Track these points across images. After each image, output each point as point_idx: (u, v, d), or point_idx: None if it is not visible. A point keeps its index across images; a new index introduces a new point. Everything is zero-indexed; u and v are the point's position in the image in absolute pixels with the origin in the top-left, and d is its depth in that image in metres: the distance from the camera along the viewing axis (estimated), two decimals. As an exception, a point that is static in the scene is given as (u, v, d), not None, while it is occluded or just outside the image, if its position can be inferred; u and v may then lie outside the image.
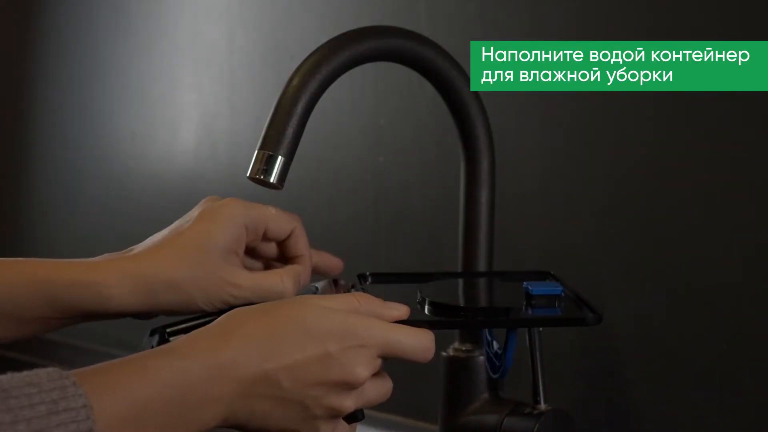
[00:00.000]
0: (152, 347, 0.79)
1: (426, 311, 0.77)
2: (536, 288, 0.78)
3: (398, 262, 1.21)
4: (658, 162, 0.97)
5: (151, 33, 1.57)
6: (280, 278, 0.83)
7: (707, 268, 0.94)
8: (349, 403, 0.69)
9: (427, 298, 0.77)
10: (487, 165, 0.93)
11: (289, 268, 0.85)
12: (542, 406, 0.86)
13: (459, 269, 0.94)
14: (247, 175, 0.83)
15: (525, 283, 0.79)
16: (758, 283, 0.91)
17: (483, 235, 0.93)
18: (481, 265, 0.93)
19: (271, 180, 0.82)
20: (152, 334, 0.82)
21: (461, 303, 0.78)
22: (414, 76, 0.92)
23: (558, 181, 1.05)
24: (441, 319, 0.76)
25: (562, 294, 0.79)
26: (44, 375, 0.61)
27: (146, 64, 1.58)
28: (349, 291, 0.83)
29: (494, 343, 0.82)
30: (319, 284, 0.84)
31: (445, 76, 0.90)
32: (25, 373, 0.61)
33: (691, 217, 0.95)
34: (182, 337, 0.68)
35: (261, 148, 0.82)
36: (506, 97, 1.04)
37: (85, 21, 1.70)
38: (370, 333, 0.70)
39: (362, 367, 0.69)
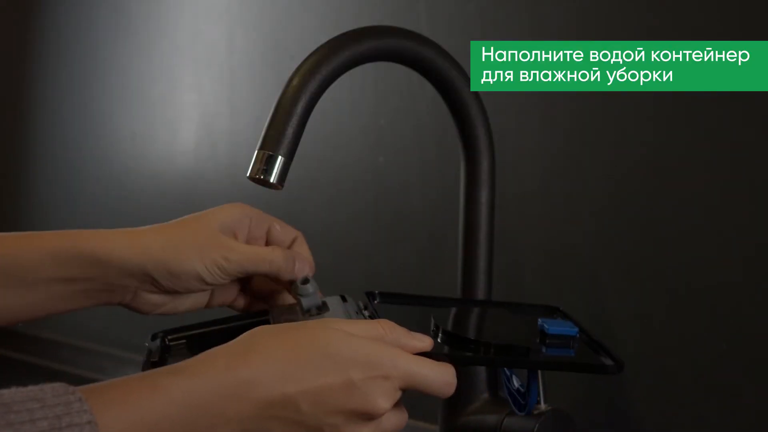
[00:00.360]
0: (151, 352, 0.79)
1: (439, 339, 0.75)
2: (552, 327, 0.77)
3: (398, 262, 1.21)
4: (658, 162, 0.97)
5: (151, 33, 1.57)
6: (272, 249, 0.84)
7: (707, 268, 0.94)
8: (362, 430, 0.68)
9: (441, 327, 0.76)
10: (487, 165, 0.93)
11: (286, 249, 0.86)
12: (542, 406, 0.86)
13: (459, 269, 0.94)
14: (247, 175, 0.83)
15: (540, 320, 0.78)
16: (758, 283, 0.91)
17: (483, 235, 0.93)
18: (481, 265, 0.93)
19: (271, 180, 0.82)
20: (153, 338, 0.82)
21: (477, 336, 0.77)
22: (414, 76, 0.92)
23: (558, 181, 1.05)
24: (463, 354, 0.74)
25: (577, 335, 0.78)
26: (49, 390, 0.60)
27: (146, 64, 1.58)
28: (361, 310, 0.82)
29: (514, 378, 0.81)
30: (329, 299, 0.83)
31: (445, 76, 0.90)
32: (30, 387, 0.60)
33: (691, 217, 0.95)
34: (200, 355, 0.66)
35: (261, 148, 0.82)
36: (506, 97, 1.04)
37: (85, 21, 1.70)
38: (394, 364, 0.68)
39: (384, 398, 0.67)
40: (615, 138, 1.01)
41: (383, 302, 0.84)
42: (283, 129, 0.82)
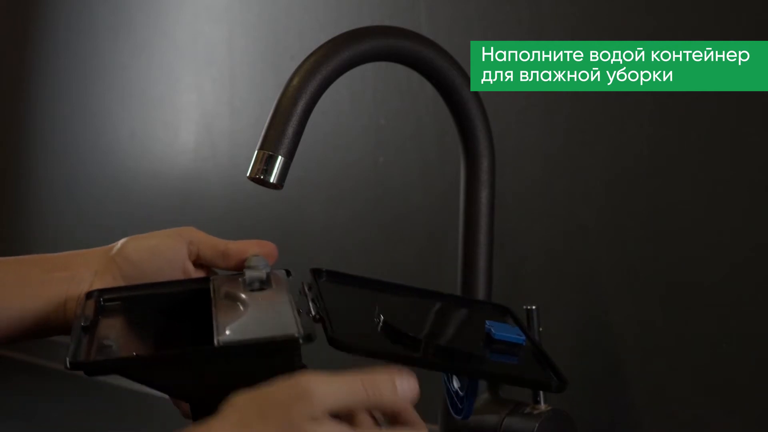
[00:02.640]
0: (84, 315, 0.76)
1: (379, 329, 0.74)
2: (499, 332, 0.74)
3: (398, 262, 1.21)
4: (658, 162, 0.97)
5: (151, 33, 1.57)
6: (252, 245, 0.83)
7: (707, 267, 0.94)
8: None
9: (384, 319, 0.74)
10: (487, 165, 0.93)
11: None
12: (542, 406, 0.86)
13: (459, 269, 0.94)
14: (247, 175, 0.83)
15: (488, 323, 0.76)
16: (758, 283, 0.91)
17: (483, 235, 0.93)
18: (481, 265, 0.93)
19: (271, 180, 0.82)
20: (88, 297, 0.79)
21: (420, 333, 0.74)
22: (414, 76, 0.92)
23: (558, 181, 1.05)
24: (403, 354, 0.72)
25: (524, 344, 0.75)
26: None
27: (146, 64, 1.58)
28: (305, 289, 0.79)
29: (455, 379, 0.78)
30: (275, 272, 0.81)
31: (445, 76, 0.90)
32: None
33: (691, 217, 0.95)
34: None
35: (261, 148, 0.82)
36: (506, 97, 1.04)
37: (85, 21, 1.70)
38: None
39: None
40: (615, 138, 1.01)
41: (329, 281, 0.82)
42: (283, 129, 0.82)
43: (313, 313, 0.74)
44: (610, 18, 1.00)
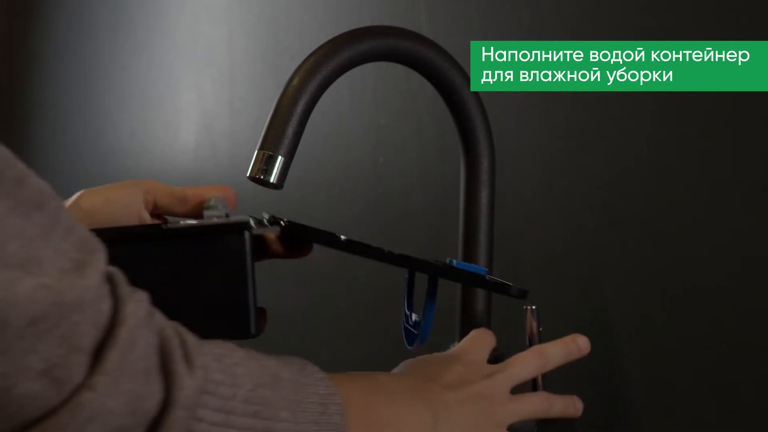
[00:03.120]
0: None
1: (342, 241, 0.74)
2: (460, 264, 0.76)
3: (398, 262, 1.21)
4: (658, 162, 0.97)
5: (151, 33, 1.57)
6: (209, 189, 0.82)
7: (707, 267, 0.94)
8: None
9: (342, 236, 0.75)
10: (487, 165, 0.93)
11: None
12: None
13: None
14: (247, 175, 0.83)
15: (449, 259, 0.78)
16: (758, 283, 0.91)
17: (483, 235, 0.93)
18: (481, 265, 0.93)
19: (271, 180, 0.82)
20: None
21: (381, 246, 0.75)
22: (414, 76, 0.92)
23: (558, 181, 1.05)
24: (365, 245, 0.73)
25: (486, 277, 0.77)
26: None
27: (146, 64, 1.58)
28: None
29: (413, 315, 0.80)
30: (240, 216, 0.80)
31: (445, 76, 0.90)
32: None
33: (691, 217, 0.95)
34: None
35: (261, 148, 0.82)
36: (506, 97, 1.04)
37: (85, 21, 1.70)
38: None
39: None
40: (615, 138, 1.01)
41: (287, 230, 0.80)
42: (283, 129, 0.82)
43: (269, 220, 0.74)
44: (610, 18, 1.00)
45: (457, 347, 0.83)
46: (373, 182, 1.23)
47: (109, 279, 0.61)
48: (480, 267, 0.77)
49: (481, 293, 0.93)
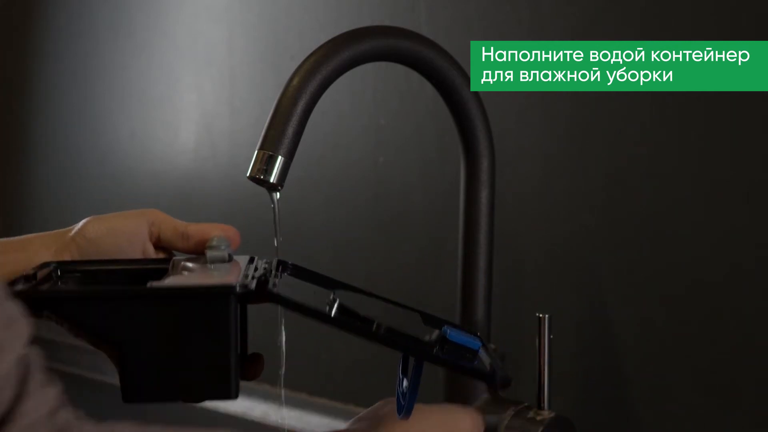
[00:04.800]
0: (29, 275, 0.73)
1: (334, 309, 0.71)
2: (453, 335, 0.71)
3: (398, 262, 1.21)
4: (657, 162, 0.97)
5: (151, 33, 1.57)
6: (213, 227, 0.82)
7: (707, 267, 0.94)
8: None
9: (338, 301, 0.72)
10: (487, 165, 0.93)
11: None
12: (546, 411, 0.86)
13: (459, 269, 0.94)
14: (247, 175, 0.83)
15: (444, 326, 0.73)
16: (758, 282, 0.91)
17: (483, 235, 0.93)
18: (481, 265, 0.93)
19: (271, 180, 0.82)
20: (43, 266, 0.77)
21: (374, 318, 0.72)
22: (414, 76, 0.92)
23: (558, 180, 1.05)
24: (354, 323, 0.70)
25: (479, 351, 0.72)
26: None
27: (146, 64, 1.58)
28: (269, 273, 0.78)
29: (404, 381, 0.75)
30: (237, 258, 0.78)
31: (445, 76, 0.90)
32: None
33: (691, 217, 0.95)
34: None
35: (261, 148, 0.82)
36: (506, 97, 1.04)
37: (85, 21, 1.70)
38: None
39: None
40: (615, 138, 1.01)
41: (293, 275, 0.80)
42: (283, 129, 0.82)
43: (258, 276, 0.72)
44: (610, 18, 1.00)
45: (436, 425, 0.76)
46: (373, 182, 1.23)
47: (24, 365, 0.56)
48: (475, 340, 0.73)
49: (481, 286, 0.93)
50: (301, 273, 0.80)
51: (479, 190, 0.93)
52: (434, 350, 0.70)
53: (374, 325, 0.69)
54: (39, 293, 0.70)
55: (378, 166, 1.23)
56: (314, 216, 1.31)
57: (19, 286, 0.69)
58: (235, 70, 1.43)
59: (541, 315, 0.88)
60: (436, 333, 0.73)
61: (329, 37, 0.85)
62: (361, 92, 1.24)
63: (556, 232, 1.05)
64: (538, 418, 0.85)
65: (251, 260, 0.78)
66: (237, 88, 1.43)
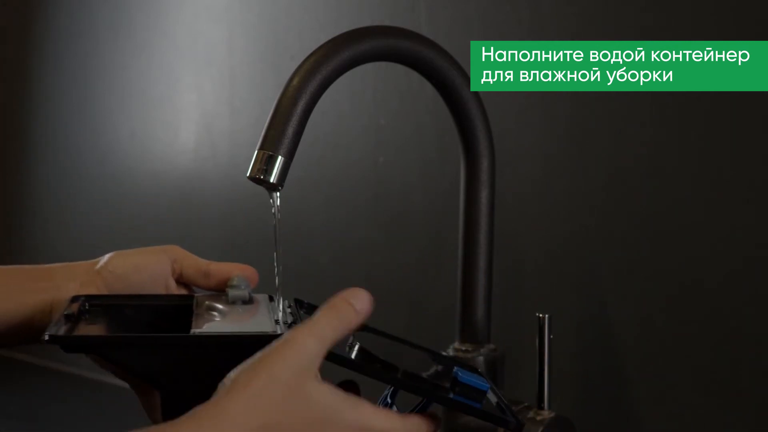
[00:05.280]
0: (69, 313, 0.78)
1: (354, 351, 0.74)
2: (464, 376, 0.74)
3: (398, 262, 1.21)
4: (657, 162, 0.97)
5: (151, 33, 1.57)
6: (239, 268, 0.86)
7: (707, 267, 0.94)
8: None
9: (357, 344, 0.74)
10: (487, 165, 0.93)
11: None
12: (546, 411, 0.86)
13: (459, 269, 0.94)
14: (247, 175, 0.83)
15: (455, 368, 0.76)
16: (758, 283, 0.91)
17: (483, 235, 0.93)
18: (481, 265, 0.93)
19: (271, 180, 0.82)
20: (74, 300, 0.81)
21: (389, 360, 0.75)
22: (414, 76, 0.92)
23: (558, 180, 1.05)
24: (371, 367, 0.73)
25: (488, 391, 0.75)
26: None
27: (146, 64, 1.58)
28: (286, 314, 0.81)
29: (393, 407, 0.77)
30: (256, 296, 0.83)
31: (445, 76, 0.90)
32: None
33: (691, 217, 0.95)
34: (185, 417, 0.66)
35: (261, 148, 0.82)
36: (506, 97, 1.04)
37: (85, 21, 1.70)
38: (357, 423, 0.68)
39: None
40: (615, 138, 1.01)
41: (309, 314, 0.81)
42: (283, 129, 0.82)
43: (290, 321, 0.76)
44: (610, 18, 1.00)
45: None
46: (373, 182, 1.23)
47: None
48: (483, 382, 0.76)
49: (481, 287, 0.93)
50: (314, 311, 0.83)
51: (479, 190, 0.93)
52: (450, 394, 0.73)
53: (399, 373, 0.73)
54: (81, 339, 0.74)
55: (378, 166, 1.23)
56: (314, 216, 1.31)
57: (62, 327, 0.74)
58: (235, 70, 1.43)
59: (541, 315, 0.88)
60: (441, 369, 0.78)
61: (329, 37, 0.85)
62: (361, 92, 1.24)
63: (556, 232, 1.05)
64: (538, 418, 0.85)
65: (270, 299, 0.83)
66: (237, 88, 1.43)
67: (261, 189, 0.85)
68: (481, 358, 0.92)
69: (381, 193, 1.23)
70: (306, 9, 1.33)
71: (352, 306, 0.70)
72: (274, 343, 0.67)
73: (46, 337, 0.71)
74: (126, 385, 0.84)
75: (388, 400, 0.77)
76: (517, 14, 1.08)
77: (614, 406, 1.01)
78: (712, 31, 0.92)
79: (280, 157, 0.81)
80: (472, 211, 0.93)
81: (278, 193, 0.82)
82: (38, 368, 1.66)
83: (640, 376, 0.99)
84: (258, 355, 0.67)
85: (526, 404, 0.88)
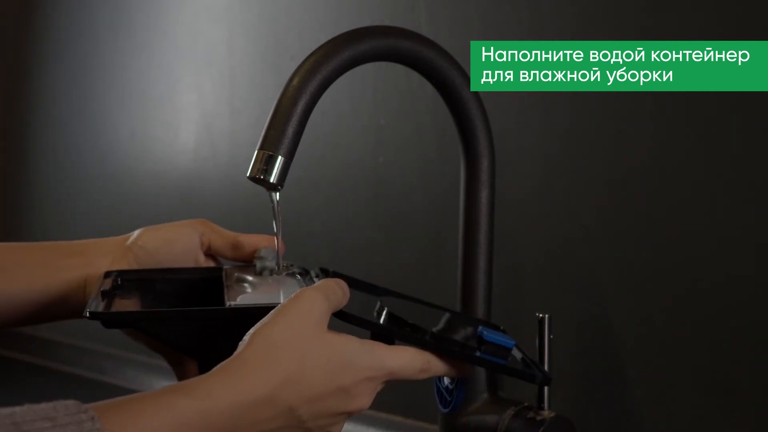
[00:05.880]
0: (102, 283, 0.80)
1: (382, 321, 0.77)
2: (489, 335, 0.77)
3: (398, 262, 1.21)
4: (658, 162, 0.97)
5: (151, 33, 1.57)
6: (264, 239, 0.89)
7: (707, 267, 0.94)
8: (341, 426, 0.72)
9: (386, 309, 0.77)
10: (487, 165, 0.93)
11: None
12: (546, 411, 0.86)
13: (459, 269, 0.94)
14: (247, 175, 0.83)
15: (480, 327, 0.79)
16: (758, 283, 0.91)
17: (483, 235, 0.93)
18: (481, 265, 0.93)
19: (271, 180, 0.82)
20: (107, 276, 0.83)
21: (418, 323, 0.78)
22: (414, 76, 0.92)
23: (558, 181, 1.05)
24: (402, 331, 0.75)
25: (513, 348, 0.79)
26: (62, 408, 0.59)
27: (146, 64, 1.58)
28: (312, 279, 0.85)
29: (445, 377, 0.82)
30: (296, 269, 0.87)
31: (445, 76, 0.90)
32: (42, 405, 0.59)
33: (690, 217, 0.95)
34: (212, 372, 0.67)
35: (261, 148, 0.82)
36: (506, 97, 1.04)
37: (85, 21, 1.70)
38: (377, 365, 0.71)
39: (369, 398, 0.71)
40: (615, 138, 1.01)
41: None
42: (283, 129, 0.82)
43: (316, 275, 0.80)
44: (610, 18, 1.00)
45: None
46: (373, 182, 1.23)
47: None
48: (508, 339, 0.78)
49: (481, 286, 0.93)
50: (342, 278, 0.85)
51: (479, 190, 0.93)
52: (477, 353, 0.76)
53: (428, 335, 0.75)
54: (121, 315, 0.77)
55: (378, 166, 1.23)
56: (314, 216, 1.31)
57: (100, 303, 0.77)
58: (235, 70, 1.43)
59: (541, 315, 0.88)
60: (470, 331, 0.80)
61: (329, 37, 0.85)
62: (361, 92, 1.24)
63: (556, 232, 1.05)
64: (538, 418, 0.85)
65: (302, 273, 0.87)
66: (237, 88, 1.43)
67: (261, 189, 0.85)
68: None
69: (381, 193, 1.23)
70: (306, 9, 1.33)
71: (340, 287, 0.74)
72: (287, 301, 0.70)
73: (87, 314, 0.73)
74: (126, 385, 0.84)
75: None
76: (517, 14, 1.08)
77: (614, 406, 1.01)
78: (712, 31, 0.92)
79: (280, 157, 0.81)
80: (472, 211, 0.93)
81: (278, 194, 0.83)
82: (38, 368, 1.66)
83: (640, 376, 0.99)
84: (272, 312, 0.70)
85: (526, 404, 0.88)
